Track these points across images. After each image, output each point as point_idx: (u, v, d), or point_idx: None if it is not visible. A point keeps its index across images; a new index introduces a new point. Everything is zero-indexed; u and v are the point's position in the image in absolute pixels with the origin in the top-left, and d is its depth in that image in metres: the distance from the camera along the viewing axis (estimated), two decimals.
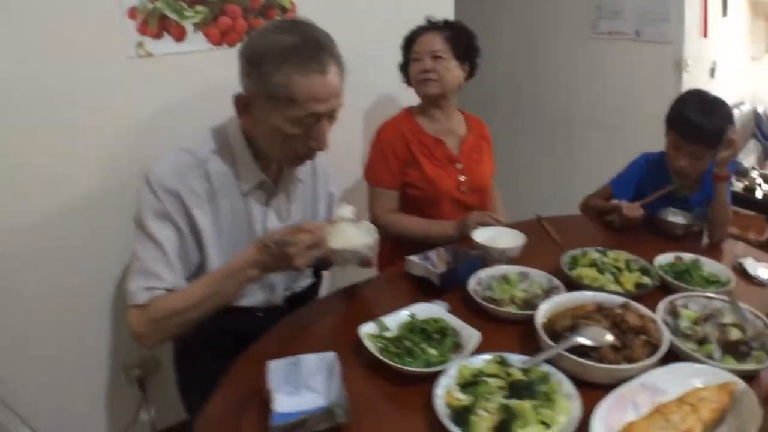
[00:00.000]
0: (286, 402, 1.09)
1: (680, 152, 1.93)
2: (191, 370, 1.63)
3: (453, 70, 2.06)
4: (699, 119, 1.85)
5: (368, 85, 2.42)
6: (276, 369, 1.13)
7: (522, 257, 1.70)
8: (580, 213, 2.24)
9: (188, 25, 1.85)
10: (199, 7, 1.86)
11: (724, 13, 4.89)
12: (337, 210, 1.36)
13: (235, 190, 1.43)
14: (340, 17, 2.22)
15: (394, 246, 2.12)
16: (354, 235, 1.31)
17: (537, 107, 4.32)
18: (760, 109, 6.46)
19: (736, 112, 5.10)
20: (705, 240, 2.02)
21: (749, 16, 7.02)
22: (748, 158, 5.04)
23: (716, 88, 4.87)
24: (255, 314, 1.53)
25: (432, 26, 2.10)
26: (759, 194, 3.81)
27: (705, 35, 4.07)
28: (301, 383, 1.15)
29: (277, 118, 1.30)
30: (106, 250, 1.81)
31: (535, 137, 4.39)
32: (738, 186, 3.88)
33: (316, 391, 1.14)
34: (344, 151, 2.28)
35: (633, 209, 1.98)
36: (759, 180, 3.89)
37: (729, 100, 6.09)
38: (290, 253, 1.20)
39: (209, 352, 1.50)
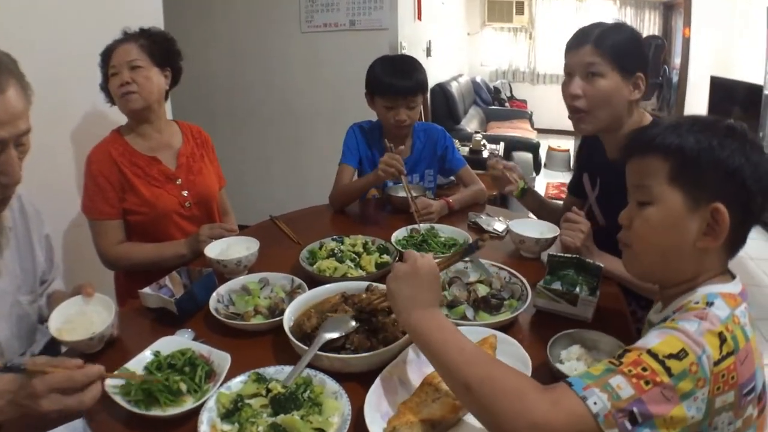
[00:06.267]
0: None
1: (395, 109, 2.15)
2: None
3: (154, 78, 1.91)
4: (398, 79, 2.12)
5: (75, 109, 2.18)
6: None
7: (262, 263, 1.65)
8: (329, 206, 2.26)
9: None
10: None
11: None
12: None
13: None
14: (36, 39, 1.94)
15: (129, 279, 1.94)
16: (91, 320, 1.28)
17: (260, 107, 4.33)
18: (478, 79, 7.26)
19: (455, 84, 5.61)
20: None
21: None
22: (471, 123, 5.60)
23: (433, 65, 5.35)
24: None
25: (127, 37, 1.92)
26: (485, 154, 4.22)
27: (419, 18, 4.40)
28: None
29: None
30: None
31: (262, 138, 4.39)
32: (464, 150, 4.26)
33: None
34: (56, 185, 2.03)
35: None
36: (483, 141, 4.31)
37: (447, 75, 6.70)
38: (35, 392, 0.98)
39: None
